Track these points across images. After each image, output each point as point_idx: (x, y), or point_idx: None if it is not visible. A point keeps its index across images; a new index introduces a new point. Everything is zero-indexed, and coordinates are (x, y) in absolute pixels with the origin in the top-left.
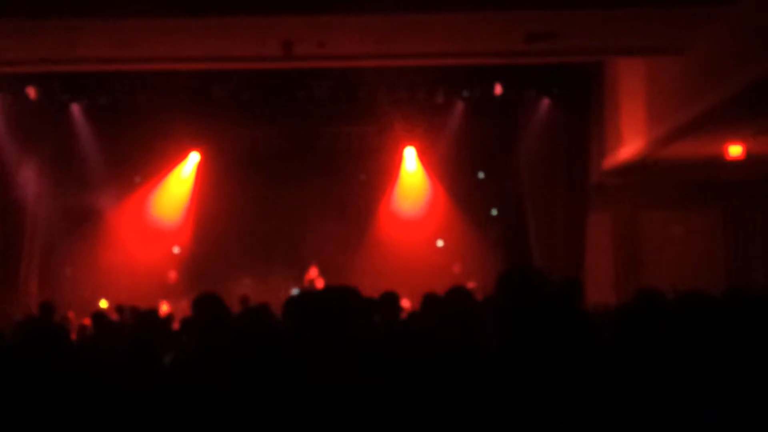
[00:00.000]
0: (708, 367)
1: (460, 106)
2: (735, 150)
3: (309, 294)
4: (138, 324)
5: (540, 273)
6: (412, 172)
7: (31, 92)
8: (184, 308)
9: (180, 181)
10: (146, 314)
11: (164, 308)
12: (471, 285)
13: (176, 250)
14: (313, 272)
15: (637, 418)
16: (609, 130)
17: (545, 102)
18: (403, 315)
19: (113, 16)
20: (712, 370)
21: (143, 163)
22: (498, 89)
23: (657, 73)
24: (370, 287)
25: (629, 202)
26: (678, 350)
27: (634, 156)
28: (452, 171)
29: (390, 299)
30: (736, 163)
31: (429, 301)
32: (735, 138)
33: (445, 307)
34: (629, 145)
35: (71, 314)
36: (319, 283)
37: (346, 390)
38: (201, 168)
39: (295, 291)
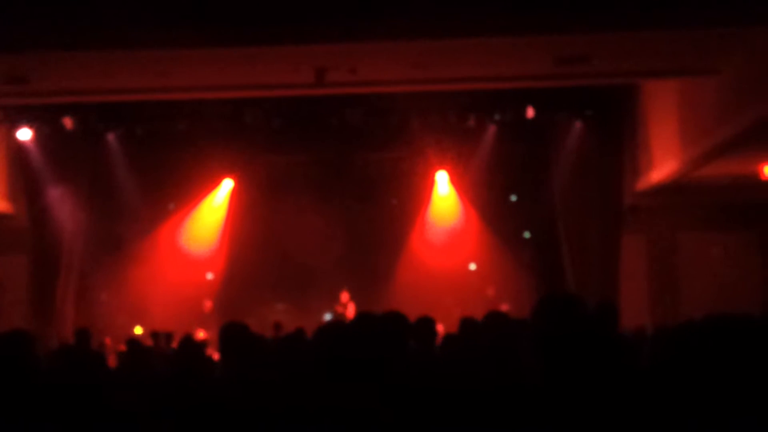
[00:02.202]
0: (749, 393)
1: (492, 130)
2: None
3: (341, 322)
4: (180, 350)
5: (577, 299)
6: (444, 196)
7: (68, 122)
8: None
9: (213, 208)
10: (188, 340)
11: (200, 335)
12: (504, 308)
13: (210, 276)
14: (344, 297)
15: None
16: (643, 152)
17: (578, 124)
18: (438, 339)
19: (148, 47)
20: (753, 396)
21: (177, 190)
22: (530, 112)
23: (690, 94)
24: (403, 311)
25: (664, 224)
26: (718, 375)
27: (668, 177)
28: (485, 194)
29: (426, 324)
30: None
31: (467, 325)
32: None
33: (483, 332)
34: (663, 166)
35: (108, 341)
36: (351, 309)
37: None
38: (234, 194)
39: (327, 316)
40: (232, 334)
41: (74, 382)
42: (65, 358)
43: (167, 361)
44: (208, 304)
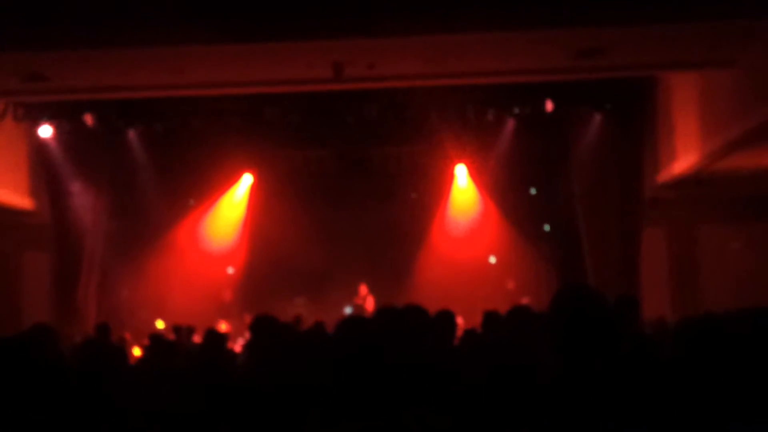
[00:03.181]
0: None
1: (510, 123)
2: None
3: (361, 316)
4: (206, 343)
5: (594, 291)
6: (463, 190)
7: (88, 119)
8: (240, 328)
9: (233, 203)
10: (212, 334)
11: (223, 327)
12: (525, 301)
13: (230, 270)
14: (363, 290)
15: None
16: (663, 144)
17: (597, 117)
18: (458, 333)
19: (167, 44)
20: None
21: (197, 186)
22: (549, 105)
23: (710, 86)
24: (423, 305)
25: (684, 217)
26: (741, 368)
27: (688, 169)
28: (504, 188)
29: (446, 318)
30: None
31: (490, 319)
32: None
33: (505, 326)
34: (684, 158)
35: (128, 335)
36: (370, 302)
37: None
38: (254, 190)
39: (348, 310)
40: (263, 327)
41: (94, 377)
42: (85, 353)
43: (190, 355)
44: (227, 296)
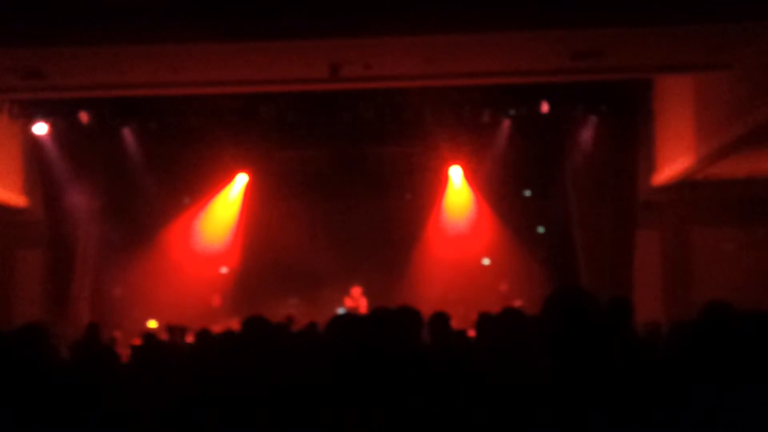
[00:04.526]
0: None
1: (506, 125)
2: None
3: (354, 315)
4: (198, 343)
5: (588, 293)
6: (458, 191)
7: (84, 117)
8: (233, 328)
9: (228, 203)
10: (207, 334)
11: (216, 327)
12: (518, 303)
13: (224, 270)
14: (356, 292)
15: None
16: (658, 147)
17: (592, 119)
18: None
19: (163, 42)
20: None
21: (192, 184)
22: (545, 107)
23: (706, 89)
24: (417, 307)
25: (678, 220)
26: (732, 369)
27: (683, 173)
28: (498, 189)
29: (440, 320)
30: None
31: (484, 320)
32: None
33: (498, 328)
34: (678, 161)
35: (118, 334)
36: (363, 304)
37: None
38: (249, 189)
39: (340, 311)
40: (255, 328)
41: (84, 376)
42: (75, 352)
43: (183, 355)
44: (221, 296)
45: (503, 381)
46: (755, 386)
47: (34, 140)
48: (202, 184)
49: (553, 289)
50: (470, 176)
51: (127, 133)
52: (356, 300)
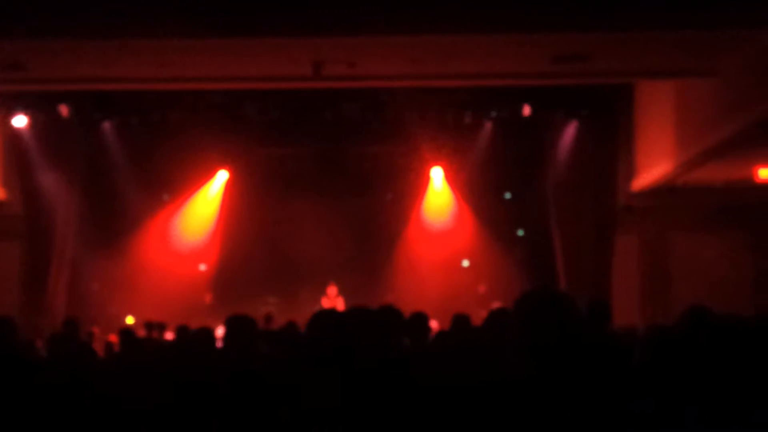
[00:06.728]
0: (738, 390)
1: (488, 127)
2: (765, 173)
3: (334, 312)
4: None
5: (563, 294)
6: (438, 192)
7: (64, 110)
8: (213, 325)
9: (208, 200)
10: (185, 330)
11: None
12: (496, 305)
13: (203, 267)
14: (332, 291)
15: None
16: (638, 152)
17: (573, 124)
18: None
19: (145, 36)
20: (742, 393)
21: (172, 180)
22: (526, 110)
23: (686, 96)
24: (396, 306)
25: (657, 225)
26: (708, 374)
27: (662, 178)
28: (479, 191)
29: (419, 320)
30: (765, 186)
31: (459, 321)
32: (765, 161)
33: (483, 331)
34: (658, 167)
35: (96, 330)
36: (340, 303)
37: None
38: (229, 186)
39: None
40: (237, 326)
41: (62, 372)
42: (53, 347)
43: (162, 351)
44: (199, 293)
45: (479, 382)
46: (732, 390)
47: (13, 132)
48: (183, 181)
49: (524, 291)
50: (451, 177)
51: (108, 128)
52: (332, 300)
